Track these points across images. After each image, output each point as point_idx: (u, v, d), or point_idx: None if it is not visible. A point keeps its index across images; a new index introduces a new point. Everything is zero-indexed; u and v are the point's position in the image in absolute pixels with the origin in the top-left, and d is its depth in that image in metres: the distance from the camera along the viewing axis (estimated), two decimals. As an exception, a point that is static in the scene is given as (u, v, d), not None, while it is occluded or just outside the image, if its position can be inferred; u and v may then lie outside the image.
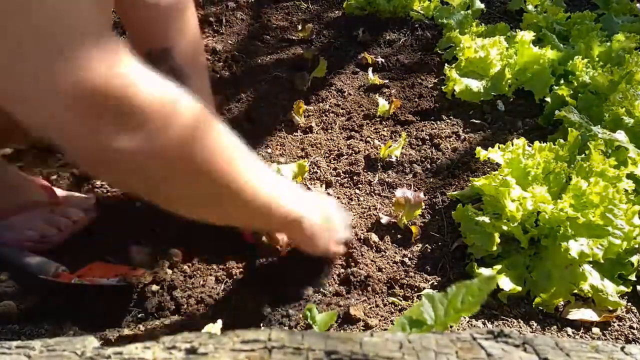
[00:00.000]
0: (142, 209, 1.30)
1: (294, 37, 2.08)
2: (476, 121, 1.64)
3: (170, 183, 0.79)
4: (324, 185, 1.41)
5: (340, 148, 1.54)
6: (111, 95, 0.66)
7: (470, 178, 1.38)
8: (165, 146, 0.73)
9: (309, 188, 1.41)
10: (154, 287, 1.13)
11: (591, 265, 1.14)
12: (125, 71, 0.67)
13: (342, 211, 1.21)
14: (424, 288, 1.15)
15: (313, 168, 1.46)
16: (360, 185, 1.42)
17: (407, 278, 1.18)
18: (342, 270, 1.19)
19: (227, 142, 0.83)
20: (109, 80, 0.65)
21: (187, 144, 0.75)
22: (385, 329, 1.06)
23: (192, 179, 0.80)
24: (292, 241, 1.19)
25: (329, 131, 1.61)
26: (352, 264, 1.20)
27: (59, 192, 1.26)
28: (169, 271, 1.17)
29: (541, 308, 1.12)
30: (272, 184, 0.94)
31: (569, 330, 1.09)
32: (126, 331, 1.04)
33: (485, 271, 1.14)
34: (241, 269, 1.19)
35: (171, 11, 1.15)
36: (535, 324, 1.09)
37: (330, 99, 1.75)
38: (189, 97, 0.77)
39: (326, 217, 1.11)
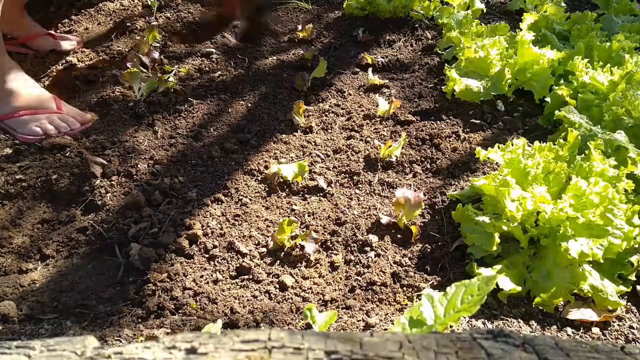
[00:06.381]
0: (142, 208, 1.31)
1: (294, 37, 2.08)
2: (476, 121, 1.64)
3: None
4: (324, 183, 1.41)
5: (340, 148, 1.54)
6: None
7: (470, 178, 1.38)
8: None
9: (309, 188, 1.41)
10: (154, 287, 1.13)
11: (591, 265, 1.14)
12: None
13: None
14: (424, 288, 1.15)
15: (313, 168, 1.46)
16: (360, 185, 1.42)
17: (407, 278, 1.18)
18: (346, 271, 1.20)
19: None
20: None
21: None
22: (385, 329, 1.06)
23: None
24: None
25: (329, 131, 1.61)
26: (355, 265, 1.20)
27: (64, 105, 1.58)
28: (170, 271, 1.17)
29: (541, 308, 1.12)
30: None
31: (569, 330, 1.09)
32: (126, 331, 1.04)
33: (485, 271, 1.14)
34: (241, 268, 1.19)
35: None
36: (535, 324, 1.09)
37: (330, 99, 1.75)
38: None
39: None
